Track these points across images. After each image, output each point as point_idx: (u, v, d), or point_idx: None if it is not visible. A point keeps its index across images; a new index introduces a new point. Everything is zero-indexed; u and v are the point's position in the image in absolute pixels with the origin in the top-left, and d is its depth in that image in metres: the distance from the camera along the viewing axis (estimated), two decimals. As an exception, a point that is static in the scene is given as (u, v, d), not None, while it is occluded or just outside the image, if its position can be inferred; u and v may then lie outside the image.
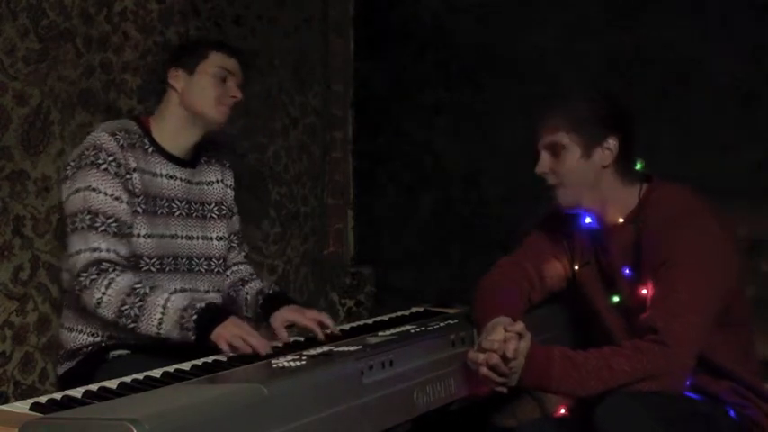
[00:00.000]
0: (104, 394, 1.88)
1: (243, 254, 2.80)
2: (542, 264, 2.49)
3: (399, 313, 2.85)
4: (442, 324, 2.38)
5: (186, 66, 2.53)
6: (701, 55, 3.42)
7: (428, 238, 4.05)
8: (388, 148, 4.15)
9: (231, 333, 2.28)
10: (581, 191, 2.34)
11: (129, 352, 2.43)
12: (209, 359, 2.23)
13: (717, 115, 3.41)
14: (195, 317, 2.30)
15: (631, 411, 2.03)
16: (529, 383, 2.14)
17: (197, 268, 2.59)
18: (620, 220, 2.33)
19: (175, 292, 2.42)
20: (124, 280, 2.33)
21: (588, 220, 2.41)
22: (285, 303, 2.58)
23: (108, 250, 2.35)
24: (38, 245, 2.72)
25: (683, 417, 2.11)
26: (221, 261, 2.66)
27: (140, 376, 2.03)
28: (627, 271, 2.31)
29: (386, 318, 2.79)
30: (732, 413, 2.23)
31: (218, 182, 2.70)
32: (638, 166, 2.36)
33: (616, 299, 2.35)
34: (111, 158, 2.40)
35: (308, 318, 2.50)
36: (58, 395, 1.86)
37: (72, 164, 2.42)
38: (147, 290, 2.33)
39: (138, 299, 2.31)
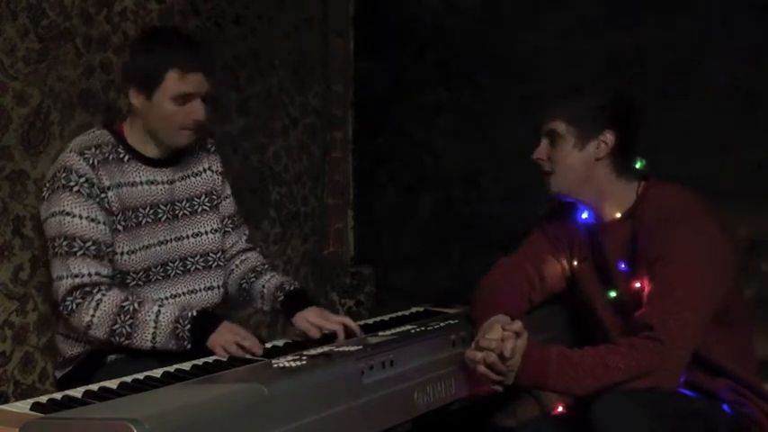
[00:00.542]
0: (104, 394, 1.88)
1: (244, 237, 2.72)
2: (542, 264, 2.49)
3: (399, 313, 2.85)
4: (442, 324, 2.38)
5: (143, 90, 2.38)
6: (701, 55, 3.42)
7: (428, 238, 4.05)
8: (388, 148, 4.15)
9: (225, 339, 2.28)
10: (572, 180, 2.36)
11: (125, 356, 2.41)
12: (210, 359, 2.23)
13: (717, 115, 3.41)
14: (189, 326, 2.30)
15: (628, 409, 2.04)
16: (525, 382, 2.15)
17: (193, 267, 2.54)
18: (618, 216, 2.34)
19: (164, 303, 2.40)
20: (111, 299, 2.32)
21: (585, 215, 2.42)
22: (307, 303, 2.51)
23: (90, 274, 2.33)
24: (38, 245, 2.72)
25: (679, 414, 2.12)
26: (218, 255, 2.59)
27: (140, 376, 2.03)
28: (622, 265, 2.33)
29: (386, 318, 2.79)
30: (729, 411, 2.23)
31: (205, 171, 2.60)
32: (639, 165, 2.37)
33: (613, 294, 2.36)
34: (82, 179, 2.34)
35: (333, 321, 2.44)
36: (58, 395, 1.86)
37: (47, 185, 2.38)
38: (136, 305, 2.32)
39: (128, 316, 2.31)
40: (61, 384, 2.46)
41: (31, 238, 2.70)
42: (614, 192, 2.35)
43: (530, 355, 2.12)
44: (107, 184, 2.38)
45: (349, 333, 2.41)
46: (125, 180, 2.42)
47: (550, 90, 3.54)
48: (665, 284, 2.18)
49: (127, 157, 2.44)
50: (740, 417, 2.24)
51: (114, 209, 2.39)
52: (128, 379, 2.01)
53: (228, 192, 2.69)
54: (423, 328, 2.32)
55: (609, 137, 2.31)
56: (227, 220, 2.66)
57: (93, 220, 2.35)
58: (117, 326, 2.31)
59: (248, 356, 2.26)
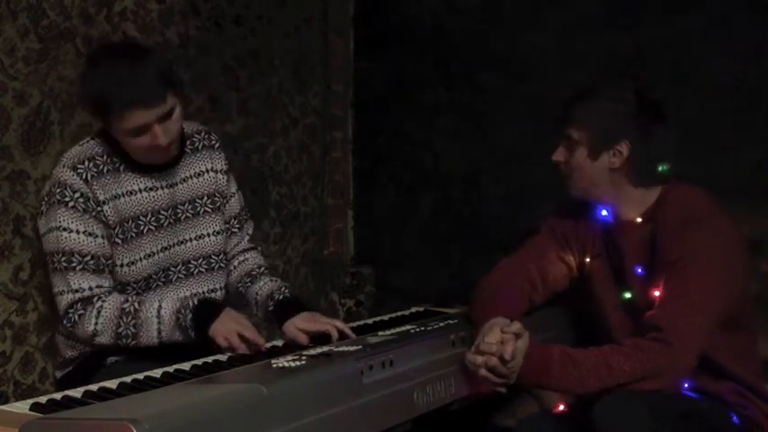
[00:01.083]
0: (104, 394, 1.88)
1: (247, 236, 2.69)
2: (546, 264, 2.48)
3: (399, 313, 2.85)
4: (441, 324, 2.38)
5: (108, 127, 2.33)
6: (701, 55, 3.42)
7: (428, 238, 4.05)
8: (388, 148, 4.15)
9: (227, 328, 2.28)
10: (587, 187, 2.35)
11: (125, 357, 2.41)
12: (210, 359, 2.23)
13: (717, 115, 3.40)
14: (191, 315, 2.30)
15: (630, 409, 2.04)
16: (528, 381, 2.15)
17: (195, 270, 2.52)
18: (638, 221, 2.32)
19: (164, 298, 2.39)
20: (111, 304, 2.32)
21: (605, 212, 2.40)
22: (297, 310, 2.48)
23: (90, 288, 2.33)
24: (38, 245, 2.71)
25: (681, 415, 2.11)
26: (221, 256, 2.57)
27: (140, 376, 2.03)
28: (639, 270, 2.31)
29: (386, 318, 2.79)
30: (732, 413, 2.23)
31: (207, 171, 2.55)
32: (662, 169, 2.32)
33: (628, 295, 2.34)
34: (77, 195, 2.31)
35: (322, 323, 2.43)
36: (58, 395, 1.86)
37: (44, 200, 2.37)
38: (137, 305, 2.32)
39: (130, 317, 2.31)
40: (61, 385, 2.46)
41: (31, 238, 2.70)
42: (633, 196, 2.33)
43: (532, 354, 2.12)
44: (102, 197, 2.34)
45: (342, 334, 2.40)
46: (122, 190, 2.39)
47: (550, 90, 3.56)
48: (681, 287, 2.16)
49: (123, 167, 2.39)
50: (742, 419, 2.23)
51: (111, 222, 2.36)
52: (127, 379, 2.00)
53: (234, 189, 2.64)
54: (423, 328, 2.32)
55: (624, 148, 2.27)
56: (233, 220, 2.64)
57: (90, 235, 2.33)
58: (121, 328, 2.31)
59: (250, 351, 2.26)
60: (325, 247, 4.14)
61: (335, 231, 4.18)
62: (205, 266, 2.54)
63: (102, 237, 2.35)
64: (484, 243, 3.82)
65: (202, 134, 2.58)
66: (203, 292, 2.53)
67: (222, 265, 2.58)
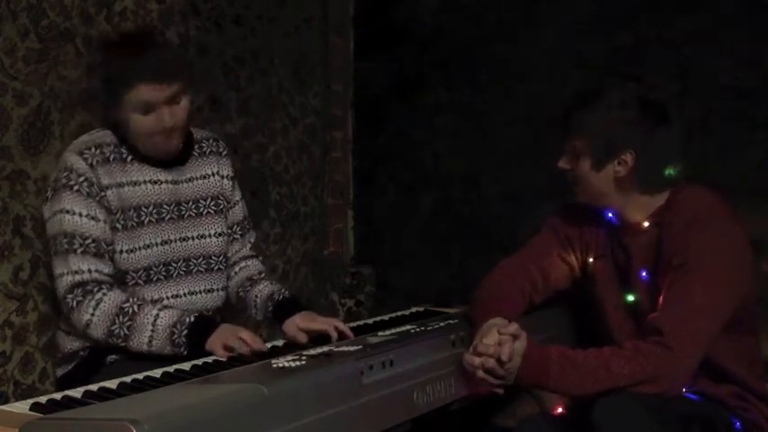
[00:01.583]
0: (104, 394, 1.88)
1: (249, 245, 2.71)
2: (548, 264, 2.47)
3: (399, 313, 2.85)
4: (442, 324, 2.38)
5: (110, 108, 2.39)
6: (701, 55, 3.42)
7: (428, 238, 4.05)
8: (388, 148, 4.15)
9: (225, 337, 2.28)
10: (593, 195, 2.33)
11: (125, 356, 2.42)
12: (210, 359, 2.23)
13: (717, 115, 3.41)
14: (186, 332, 2.29)
15: (630, 411, 2.03)
16: (526, 381, 2.14)
17: (195, 269, 2.53)
18: (645, 225, 2.30)
19: (164, 308, 2.37)
20: (111, 299, 2.32)
21: (611, 213, 2.38)
22: (296, 310, 2.51)
23: (90, 271, 2.33)
24: (38, 245, 2.72)
25: (682, 417, 2.11)
26: (221, 258, 2.58)
27: (140, 376, 2.03)
28: (644, 274, 2.30)
29: (386, 318, 2.79)
30: (732, 416, 2.22)
31: (213, 175, 2.59)
32: (669, 173, 2.28)
33: (631, 298, 2.33)
34: (81, 179, 2.34)
35: (321, 322, 2.45)
36: (58, 395, 1.86)
37: (50, 186, 2.40)
38: (136, 308, 2.32)
39: (126, 318, 2.31)
40: (61, 383, 2.46)
41: (31, 238, 2.70)
42: (640, 201, 2.30)
43: (529, 355, 2.11)
44: (105, 183, 2.38)
45: (342, 335, 2.40)
46: (126, 179, 2.42)
47: (550, 90, 3.56)
48: (684, 290, 2.15)
49: (130, 157, 2.43)
50: (743, 421, 2.23)
51: (113, 207, 2.39)
52: (127, 379, 2.00)
53: (238, 197, 2.67)
54: (423, 328, 2.32)
55: (629, 157, 2.23)
56: (235, 226, 2.66)
57: (92, 218, 2.35)
58: (115, 326, 2.31)
59: (250, 353, 2.26)
60: (326, 247, 4.14)
61: (335, 231, 4.18)
62: (205, 266, 2.55)
63: (104, 222, 2.37)
64: (484, 243, 3.83)
65: (211, 141, 2.63)
66: (201, 291, 2.54)
67: (222, 267, 2.59)
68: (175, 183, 2.51)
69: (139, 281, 2.42)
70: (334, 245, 4.18)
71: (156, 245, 2.46)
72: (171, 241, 2.49)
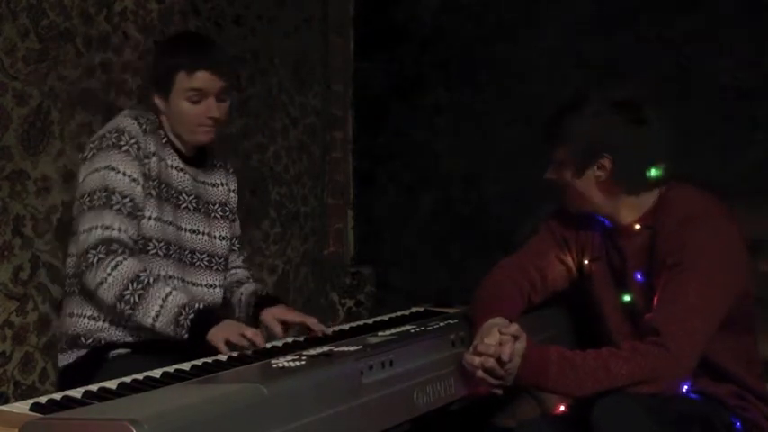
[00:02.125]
0: (104, 394, 1.88)
1: (242, 258, 2.83)
2: (546, 265, 2.47)
3: (399, 313, 2.85)
4: (441, 324, 2.38)
5: (160, 91, 2.51)
6: (701, 55, 3.42)
7: (428, 238, 4.05)
8: (388, 148, 4.16)
9: (228, 331, 2.29)
10: (580, 202, 2.35)
11: (129, 351, 2.43)
12: (209, 359, 2.23)
13: (717, 115, 3.41)
14: (192, 316, 2.31)
15: (629, 411, 2.03)
16: (526, 382, 2.14)
17: (198, 263, 2.60)
18: (637, 227, 2.31)
19: (177, 287, 2.43)
20: (131, 265, 2.35)
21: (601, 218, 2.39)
22: (276, 303, 2.61)
23: (120, 230, 2.38)
24: (38, 245, 2.72)
25: (681, 417, 2.11)
26: (222, 260, 2.67)
27: (140, 376, 2.03)
28: (639, 276, 2.30)
29: (386, 318, 2.79)
30: (732, 415, 2.22)
31: (222, 185, 2.72)
32: (655, 173, 2.29)
33: (627, 298, 2.33)
34: (132, 141, 2.43)
35: (296, 316, 2.54)
36: (57, 395, 1.86)
37: (92, 145, 2.46)
38: (151, 280, 2.35)
39: (140, 286, 2.33)
40: (63, 375, 2.49)
41: (31, 238, 2.71)
42: (628, 203, 2.31)
43: (529, 355, 2.11)
44: (153, 150, 2.48)
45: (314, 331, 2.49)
46: (163, 156, 2.53)
47: (550, 90, 3.56)
48: (678, 290, 2.15)
49: (165, 140, 2.55)
50: (742, 421, 2.23)
51: (153, 175, 2.47)
52: (127, 379, 2.00)
53: (237, 216, 2.79)
54: (422, 328, 2.32)
55: (606, 162, 2.26)
56: (234, 239, 2.78)
57: (133, 180, 2.42)
58: (127, 292, 2.33)
59: (251, 350, 2.27)
60: (326, 247, 4.14)
61: (335, 231, 4.19)
62: (207, 262, 2.62)
63: (143, 187, 2.45)
64: (484, 243, 3.83)
65: (221, 158, 2.79)
66: (203, 285, 2.60)
67: (221, 268, 2.67)
68: (194, 179, 2.62)
69: (159, 251, 2.48)
70: (335, 245, 4.18)
71: (172, 225, 2.53)
72: (183, 229, 2.57)
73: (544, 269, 2.47)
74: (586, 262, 2.44)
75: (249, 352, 2.26)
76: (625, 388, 2.07)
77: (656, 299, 2.20)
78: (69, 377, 2.42)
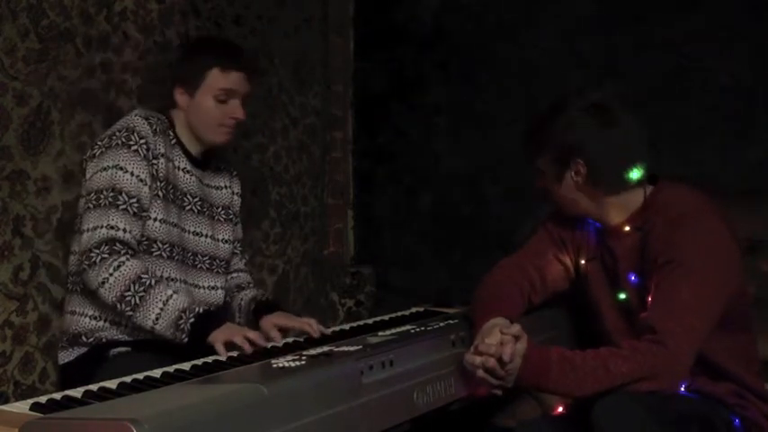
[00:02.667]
0: (104, 394, 1.88)
1: (244, 261, 2.84)
2: (544, 265, 2.48)
3: (399, 313, 2.85)
4: (441, 324, 2.38)
5: (187, 87, 2.53)
6: (701, 55, 3.42)
7: (428, 238, 4.05)
8: (388, 148, 4.16)
9: (228, 334, 2.30)
10: (568, 207, 2.39)
11: (129, 349, 2.44)
12: (209, 359, 2.23)
13: (717, 115, 3.41)
14: (192, 320, 2.31)
15: (629, 410, 2.04)
16: (526, 383, 2.14)
17: (200, 265, 2.61)
18: (627, 229, 2.32)
19: (178, 290, 2.43)
20: (133, 266, 2.34)
21: (590, 219, 2.41)
22: (276, 310, 2.61)
23: (125, 230, 2.38)
24: (38, 245, 2.72)
25: (680, 416, 2.11)
26: (224, 263, 2.69)
27: (140, 376, 2.03)
28: (633, 277, 2.31)
29: (386, 318, 2.79)
30: (731, 414, 2.23)
31: (226, 188, 2.73)
32: (635, 174, 2.29)
33: (622, 296, 2.34)
34: (142, 141, 2.43)
35: (296, 322, 2.53)
36: (57, 395, 1.86)
37: (100, 143, 2.47)
38: (153, 282, 2.35)
39: (141, 288, 2.33)
40: (63, 372, 2.50)
41: (31, 238, 2.70)
42: (614, 203, 2.33)
43: (530, 356, 2.11)
44: (162, 151, 2.48)
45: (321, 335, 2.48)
46: (172, 157, 2.53)
47: (550, 90, 3.56)
48: (671, 287, 2.16)
49: (174, 141, 2.56)
50: (742, 419, 2.23)
51: (160, 176, 2.48)
52: (127, 379, 2.00)
53: (239, 219, 2.80)
54: (423, 328, 2.32)
55: (580, 167, 2.29)
56: (236, 242, 2.78)
57: (141, 181, 2.43)
58: (129, 293, 2.33)
59: (251, 350, 2.27)
60: (326, 247, 4.14)
61: (335, 231, 4.18)
62: (208, 264, 2.64)
63: (150, 188, 2.45)
64: (484, 243, 3.83)
65: (225, 161, 2.81)
66: (205, 287, 2.62)
67: (222, 271, 2.69)
68: (200, 181, 2.63)
69: (163, 253, 2.48)
70: (335, 245, 4.18)
71: (177, 227, 2.54)
72: (187, 231, 2.58)
73: (543, 269, 2.48)
74: (583, 262, 2.45)
75: (249, 352, 2.26)
76: (625, 386, 2.08)
77: (650, 298, 2.21)
78: (70, 375, 2.43)
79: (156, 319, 2.32)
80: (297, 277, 3.92)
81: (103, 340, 2.45)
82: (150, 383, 1.98)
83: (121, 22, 3.00)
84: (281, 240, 3.82)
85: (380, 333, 2.29)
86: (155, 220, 2.47)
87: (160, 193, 2.48)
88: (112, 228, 2.37)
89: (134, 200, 2.40)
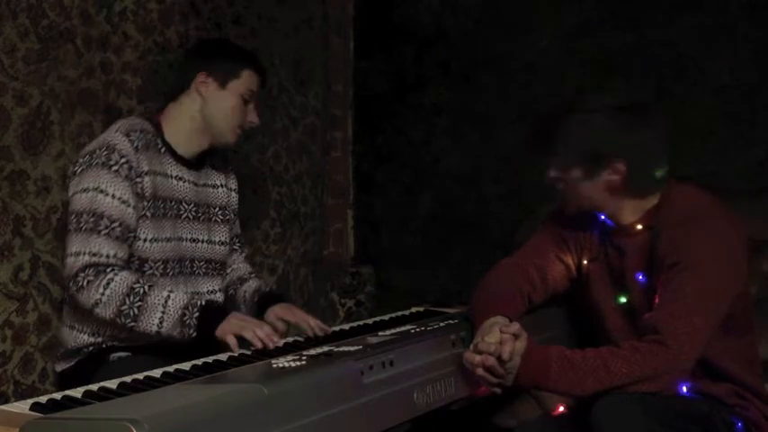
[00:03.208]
0: (104, 394, 1.88)
1: (243, 254, 2.83)
2: (545, 264, 2.47)
3: (399, 313, 2.85)
4: (441, 324, 2.38)
5: (218, 77, 2.52)
6: (701, 55, 3.42)
7: (428, 238, 4.05)
8: (388, 148, 4.15)
9: (238, 326, 2.29)
10: (583, 201, 2.33)
11: (129, 354, 2.43)
12: (210, 359, 2.23)
13: (717, 115, 3.40)
14: (197, 314, 2.31)
15: (629, 410, 2.03)
16: (525, 382, 2.14)
17: (197, 271, 2.60)
18: (639, 227, 2.30)
19: (174, 290, 2.42)
20: (122, 279, 2.32)
21: (603, 216, 2.38)
22: (280, 301, 2.61)
23: (108, 255, 2.34)
24: (38, 245, 2.72)
25: (680, 417, 2.11)
26: (219, 265, 2.67)
27: (140, 376, 2.03)
28: (640, 277, 2.30)
29: (386, 318, 2.79)
30: (732, 415, 2.23)
31: (222, 186, 2.71)
32: (659, 174, 2.28)
33: (623, 299, 2.33)
34: (123, 160, 2.37)
35: (299, 316, 2.52)
36: (58, 395, 1.86)
37: (82, 161, 2.41)
38: (146, 288, 2.33)
39: (137, 298, 2.31)
40: (62, 378, 2.48)
41: (31, 238, 2.71)
42: (632, 204, 2.30)
43: (529, 355, 2.11)
44: (145, 169, 2.43)
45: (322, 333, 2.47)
46: (161, 170, 2.49)
47: (550, 90, 3.56)
48: (678, 289, 2.15)
49: (163, 149, 2.52)
50: (742, 421, 2.23)
51: (147, 195, 2.43)
52: (127, 379, 2.00)
53: (236, 215, 2.79)
54: (423, 328, 2.32)
55: (620, 166, 2.23)
56: (235, 238, 2.78)
57: (124, 202, 2.38)
58: (125, 306, 2.31)
59: (261, 347, 2.26)
60: (325, 247, 4.14)
61: (335, 231, 4.18)
62: (205, 269, 2.63)
63: (134, 208, 2.40)
64: (484, 243, 3.83)
65: (219, 156, 2.75)
66: (204, 293, 2.60)
67: (219, 273, 2.68)
68: (195, 184, 2.60)
69: (156, 272, 2.45)
70: (334, 245, 4.18)
71: (173, 239, 2.51)
72: (184, 239, 2.56)
73: (544, 268, 2.47)
74: (585, 262, 2.43)
75: (249, 352, 2.26)
76: (625, 386, 2.07)
77: (656, 298, 2.20)
78: (69, 379, 2.41)
79: (160, 322, 2.31)
80: (297, 277, 3.92)
81: (103, 346, 2.44)
82: (150, 383, 1.98)
83: (121, 22, 3.00)
84: (280, 240, 3.81)
85: (380, 333, 2.29)
86: (144, 240, 2.42)
87: (148, 213, 2.43)
88: (95, 255, 2.33)
89: (116, 223, 2.35)
